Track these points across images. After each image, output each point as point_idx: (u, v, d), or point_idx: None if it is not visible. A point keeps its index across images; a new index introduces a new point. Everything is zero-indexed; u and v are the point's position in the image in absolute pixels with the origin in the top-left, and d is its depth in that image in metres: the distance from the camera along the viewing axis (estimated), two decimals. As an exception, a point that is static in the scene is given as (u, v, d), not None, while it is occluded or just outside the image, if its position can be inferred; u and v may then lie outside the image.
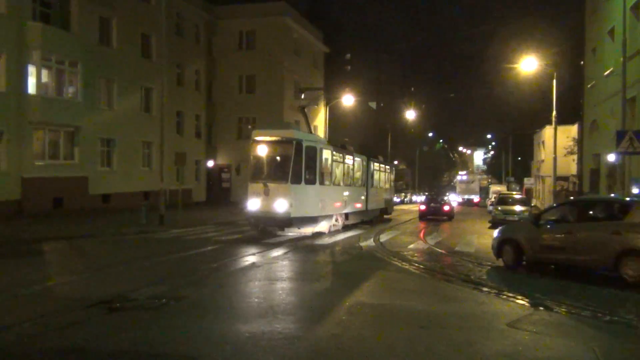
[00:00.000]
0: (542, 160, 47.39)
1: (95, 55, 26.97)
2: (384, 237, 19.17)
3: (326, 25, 51.70)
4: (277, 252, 14.14)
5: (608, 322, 7.68)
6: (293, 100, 42.97)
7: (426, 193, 61.79)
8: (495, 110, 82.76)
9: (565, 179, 39.93)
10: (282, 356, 5.77)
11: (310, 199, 17.46)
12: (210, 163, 40.71)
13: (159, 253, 13.62)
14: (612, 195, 17.74)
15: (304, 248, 15.33)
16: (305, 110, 22.15)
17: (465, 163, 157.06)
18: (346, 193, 21.24)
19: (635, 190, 17.13)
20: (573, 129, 38.55)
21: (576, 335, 6.97)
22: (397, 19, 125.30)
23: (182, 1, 35.27)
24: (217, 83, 41.82)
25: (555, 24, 50.03)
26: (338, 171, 20.37)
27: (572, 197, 26.46)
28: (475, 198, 65.64)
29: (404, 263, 12.92)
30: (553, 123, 28.85)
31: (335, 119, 48.71)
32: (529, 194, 48.51)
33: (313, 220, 17.76)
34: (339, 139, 29.36)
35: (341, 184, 20.74)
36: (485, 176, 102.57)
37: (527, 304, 8.62)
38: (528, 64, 28.72)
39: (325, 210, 18.59)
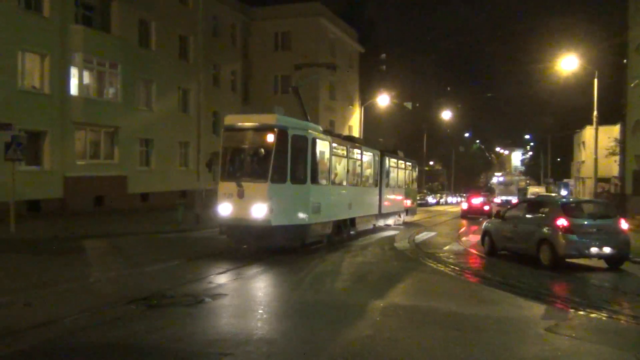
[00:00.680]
0: (583, 162, 46.26)
1: (134, 57, 27.55)
2: (418, 239, 19.03)
3: (361, 25, 51.63)
4: (310, 250, 14.21)
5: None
6: (328, 101, 43.06)
7: (463, 194, 61.14)
8: (534, 110, 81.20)
9: (606, 180, 38.89)
10: (316, 356, 5.79)
11: (299, 202, 13.70)
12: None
13: (194, 251, 13.85)
14: (551, 195, 20.98)
15: (335, 245, 15.36)
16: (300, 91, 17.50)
17: (502, 164, 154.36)
18: (352, 194, 17.61)
19: None
20: (615, 129, 37.49)
21: (618, 341, 6.80)
22: (434, 17, 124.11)
23: (219, 3, 35.70)
24: (253, 83, 42.21)
25: (594, 22, 48.73)
26: (340, 167, 16.77)
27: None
28: (514, 199, 64.50)
29: (439, 264, 12.80)
30: (594, 123, 28.14)
31: (370, 120, 48.56)
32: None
33: (302, 229, 13.76)
34: (373, 140, 29.27)
35: (344, 183, 16.92)
36: (523, 177, 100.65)
37: (567, 308, 8.46)
38: (568, 63, 28.11)
39: (321, 216, 14.71)
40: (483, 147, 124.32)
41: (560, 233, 12.06)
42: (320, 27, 41.28)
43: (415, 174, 28.51)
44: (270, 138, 12.96)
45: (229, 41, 38.20)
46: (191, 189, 28.23)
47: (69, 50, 23.67)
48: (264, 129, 13.25)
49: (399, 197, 24.46)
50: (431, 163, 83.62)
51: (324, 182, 15.08)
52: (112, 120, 25.93)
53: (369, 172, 19.79)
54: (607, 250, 12.02)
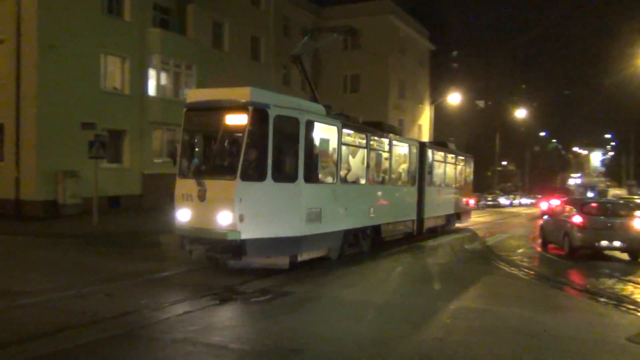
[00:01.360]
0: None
1: (208, 58, 28.37)
2: (490, 241, 18.53)
3: (432, 22, 50.78)
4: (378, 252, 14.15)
5: None
6: (397, 100, 42.68)
7: (537, 195, 59.07)
8: (615, 109, 77.11)
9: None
10: (383, 356, 5.77)
11: (286, 206, 10.11)
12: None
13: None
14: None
15: (415, 249, 15.20)
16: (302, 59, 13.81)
17: (580, 164, 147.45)
18: (375, 195, 13.88)
19: None
20: None
21: None
22: (508, 13, 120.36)
23: (289, 4, 36.19)
24: (321, 83, 42.41)
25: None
26: (356, 161, 13.25)
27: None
28: (593, 202, 61.64)
29: (512, 268, 12.42)
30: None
31: (440, 119, 47.72)
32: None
33: (291, 243, 10.14)
34: (443, 139, 28.57)
35: (362, 181, 13.12)
36: (603, 179, 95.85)
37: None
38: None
39: (323, 225, 10.92)
40: (560, 146, 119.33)
41: (575, 228, 14.11)
42: (390, 25, 40.99)
43: (470, 170, 24.51)
44: (242, 119, 9.60)
45: (299, 41, 38.49)
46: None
47: (148, 53, 24.68)
48: (233, 107, 9.73)
49: (448, 198, 20.69)
50: (504, 163, 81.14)
51: (329, 179, 11.63)
52: (187, 119, 26.76)
53: (402, 167, 16.26)
54: (617, 244, 13.95)
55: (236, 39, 30.99)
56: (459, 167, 22.24)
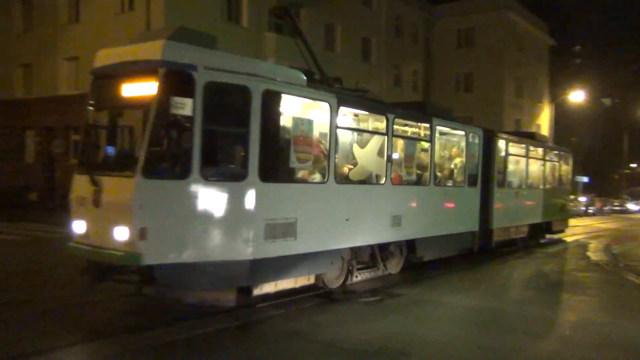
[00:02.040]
0: None
1: (321, 60, 28.82)
2: (615, 249, 17.23)
3: (553, 15, 48.06)
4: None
5: None
6: (514, 99, 40.93)
7: None
8: None
9: None
10: (497, 365, 5.59)
11: (225, 216, 6.82)
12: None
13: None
14: None
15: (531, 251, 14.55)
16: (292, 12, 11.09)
17: None
18: (400, 199, 10.04)
19: None
20: None
21: None
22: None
23: (402, 3, 35.93)
24: (433, 82, 41.73)
25: None
26: (365, 153, 9.70)
27: None
28: None
29: (641, 279, 11.48)
30: None
31: (561, 118, 45.03)
32: None
33: (236, 270, 6.91)
34: (564, 140, 26.87)
35: (379, 179, 9.59)
36: None
37: None
38: None
39: (296, 242, 7.54)
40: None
41: None
42: (507, 21, 39.38)
43: (567, 168, 19.37)
44: (148, 88, 6.52)
45: (411, 41, 38.23)
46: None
47: (264, 56, 25.68)
48: (139, 71, 6.65)
49: (533, 203, 16.35)
50: (633, 165, 74.86)
51: (314, 178, 8.29)
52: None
53: (453, 163, 12.41)
54: None
55: (347, 40, 31.35)
56: (549, 164, 17.60)
